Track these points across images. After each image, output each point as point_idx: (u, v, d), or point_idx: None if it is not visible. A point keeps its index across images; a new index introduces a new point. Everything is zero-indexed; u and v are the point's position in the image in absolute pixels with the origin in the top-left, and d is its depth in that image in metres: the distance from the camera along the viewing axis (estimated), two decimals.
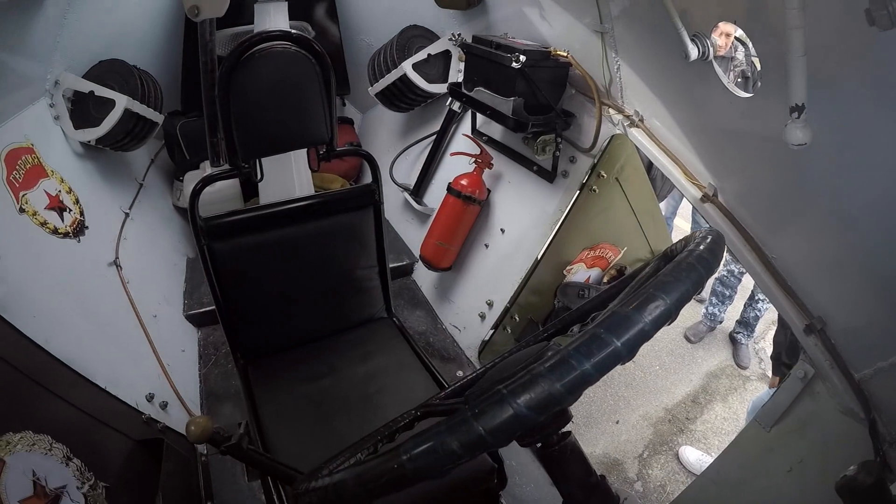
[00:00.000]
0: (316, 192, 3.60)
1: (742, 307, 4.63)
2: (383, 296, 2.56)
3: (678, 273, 0.82)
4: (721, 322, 4.80)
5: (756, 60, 3.99)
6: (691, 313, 5.02)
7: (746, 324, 4.59)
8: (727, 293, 4.68)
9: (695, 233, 1.00)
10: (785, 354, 3.05)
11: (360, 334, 2.47)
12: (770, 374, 3.85)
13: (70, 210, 2.80)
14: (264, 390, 2.20)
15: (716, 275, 4.70)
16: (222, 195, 3.84)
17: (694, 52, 1.85)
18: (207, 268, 2.15)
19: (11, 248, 2.20)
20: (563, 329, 1.32)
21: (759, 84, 1.75)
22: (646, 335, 0.74)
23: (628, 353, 0.71)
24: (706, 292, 5.05)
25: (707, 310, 4.80)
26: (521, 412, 0.69)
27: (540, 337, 1.29)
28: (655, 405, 4.03)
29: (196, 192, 2.06)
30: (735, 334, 4.66)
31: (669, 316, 0.76)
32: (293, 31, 1.98)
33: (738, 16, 1.71)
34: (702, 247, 0.90)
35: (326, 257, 2.37)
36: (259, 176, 2.11)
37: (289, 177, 3.38)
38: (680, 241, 1.10)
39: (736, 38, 3.96)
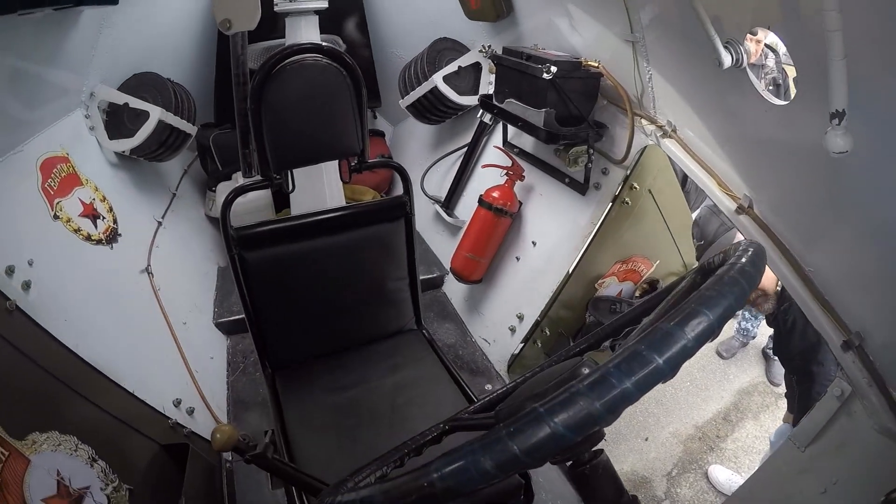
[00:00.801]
0: (347, 203, 3.61)
1: None
2: (413, 308, 2.54)
3: (721, 287, 0.78)
4: (754, 337, 4.68)
5: (787, 68, 3.92)
6: (724, 328, 4.88)
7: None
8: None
9: (735, 245, 0.96)
10: (796, 379, 3.00)
11: (389, 346, 2.46)
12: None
13: (104, 218, 2.85)
14: (291, 399, 2.20)
15: None
16: (254, 206, 3.87)
17: (728, 60, 1.81)
18: (238, 277, 2.17)
19: (45, 254, 2.23)
20: (595, 344, 1.28)
21: (795, 91, 1.71)
22: (689, 352, 0.70)
23: (671, 370, 0.68)
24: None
25: (740, 325, 4.69)
26: (559, 431, 0.65)
27: (572, 352, 1.25)
28: (685, 422, 3.96)
29: (228, 202, 2.08)
30: (768, 350, 4.54)
31: (713, 332, 0.73)
32: (324, 43, 2.01)
33: (773, 21, 1.67)
34: (744, 259, 0.86)
35: (357, 268, 2.37)
36: (291, 187, 2.12)
37: (320, 188, 3.39)
38: (718, 253, 1.07)
39: (766, 45, 3.90)
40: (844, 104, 1.33)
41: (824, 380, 2.68)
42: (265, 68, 1.88)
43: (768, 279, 2.73)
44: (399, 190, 2.35)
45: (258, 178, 2.10)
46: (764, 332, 4.63)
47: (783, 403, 3.86)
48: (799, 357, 2.92)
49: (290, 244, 2.22)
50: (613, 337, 1.29)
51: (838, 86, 1.32)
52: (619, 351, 0.70)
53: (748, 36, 1.91)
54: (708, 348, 4.63)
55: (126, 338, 2.52)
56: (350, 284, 2.37)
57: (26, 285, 1.99)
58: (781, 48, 3.80)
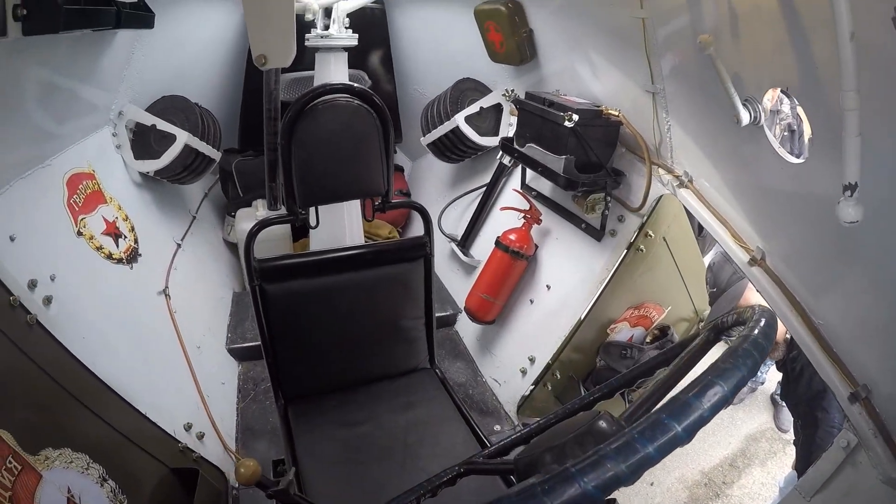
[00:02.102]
0: (365, 237, 3.65)
1: None
2: (428, 347, 2.57)
3: (735, 360, 0.85)
4: (762, 383, 4.65)
5: (801, 112, 3.96)
6: None
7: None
8: None
9: (749, 309, 1.01)
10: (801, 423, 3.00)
11: (402, 383, 2.48)
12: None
13: (125, 237, 2.89)
14: (303, 431, 2.22)
15: None
16: (272, 234, 3.90)
17: (746, 118, 1.86)
18: (258, 307, 2.21)
19: (67, 270, 2.26)
20: (608, 394, 1.40)
21: (810, 147, 1.75)
22: (704, 420, 0.77)
23: (688, 436, 0.75)
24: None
25: None
26: (589, 491, 0.71)
27: (585, 401, 1.34)
28: (692, 467, 3.92)
29: (252, 235, 2.13)
30: (776, 396, 4.48)
31: (726, 401, 0.80)
32: (355, 84, 2.07)
33: (790, 84, 1.73)
34: (756, 331, 0.94)
35: (375, 306, 2.40)
36: (315, 223, 2.17)
37: (340, 225, 3.44)
38: (731, 312, 1.14)
39: (781, 90, 3.94)
40: (857, 178, 1.40)
41: (828, 426, 2.69)
42: (298, 106, 1.93)
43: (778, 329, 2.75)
44: (415, 226, 2.40)
45: (283, 211, 2.14)
46: (773, 378, 4.58)
47: (791, 450, 3.83)
48: (805, 403, 2.93)
49: (310, 279, 2.26)
50: (627, 388, 1.41)
51: (852, 161, 1.39)
52: (643, 419, 0.77)
53: None
54: None
55: (141, 358, 2.54)
56: (367, 321, 2.40)
57: (47, 300, 2.01)
58: None
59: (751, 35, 1.81)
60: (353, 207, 3.49)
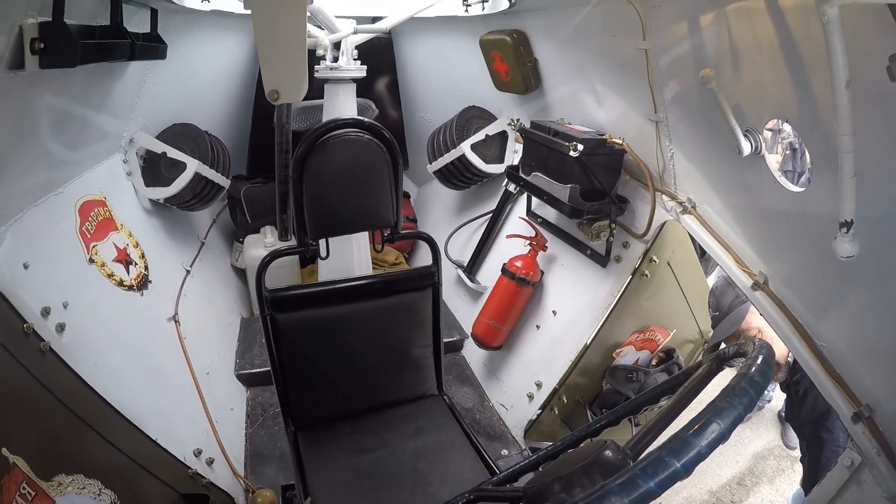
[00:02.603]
0: (373, 263, 3.68)
1: None
2: (436, 374, 2.58)
3: (732, 398, 0.90)
4: (769, 401, 4.68)
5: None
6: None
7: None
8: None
9: (748, 343, 1.05)
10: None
11: (411, 410, 2.49)
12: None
13: (136, 264, 2.91)
14: (313, 458, 2.23)
15: None
16: (280, 261, 3.87)
17: (747, 148, 1.91)
18: (269, 336, 2.23)
19: (79, 297, 2.28)
20: (615, 421, 1.39)
21: (810, 175, 1.78)
22: (702, 457, 0.84)
23: (686, 472, 0.81)
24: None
25: None
26: None
27: (592, 428, 1.35)
28: (699, 487, 3.89)
29: (264, 265, 2.18)
30: (784, 413, 4.48)
31: (724, 438, 0.86)
32: (365, 119, 2.12)
33: (790, 115, 1.77)
34: (752, 369, 0.98)
35: (384, 334, 2.43)
36: (325, 254, 2.21)
37: (349, 255, 3.48)
38: (733, 345, 1.19)
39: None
40: (852, 215, 1.45)
41: (833, 445, 2.71)
42: (309, 140, 1.98)
43: (780, 350, 2.76)
44: (421, 251, 2.42)
45: (293, 242, 2.18)
46: (779, 396, 4.55)
47: (799, 467, 3.82)
48: (809, 424, 2.94)
49: (320, 308, 2.29)
50: (633, 414, 1.43)
51: (848, 200, 1.44)
52: (645, 456, 0.83)
53: None
54: None
55: (152, 385, 2.56)
56: (376, 349, 2.43)
57: (60, 328, 2.03)
58: None
59: (751, 68, 1.86)
60: (361, 237, 3.54)
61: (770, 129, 3.99)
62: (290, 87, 1.75)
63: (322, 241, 2.21)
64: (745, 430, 4.49)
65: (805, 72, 1.61)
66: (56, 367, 1.95)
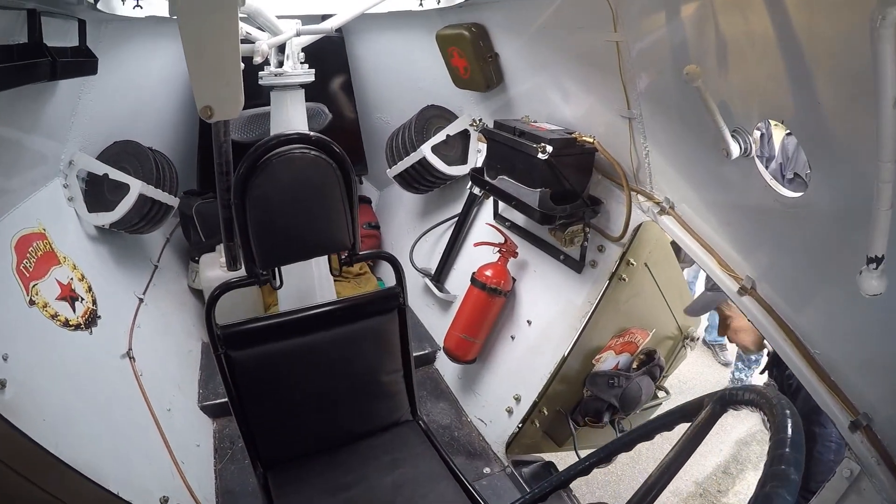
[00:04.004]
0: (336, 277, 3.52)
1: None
2: (409, 398, 2.48)
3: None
4: None
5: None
6: (717, 379, 4.95)
7: (775, 387, 4.41)
8: (753, 357, 4.57)
9: (761, 395, 1.10)
10: None
11: (385, 440, 2.39)
12: None
13: (82, 299, 2.70)
14: (286, 500, 2.12)
15: None
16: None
17: (736, 150, 1.77)
18: (225, 376, 2.10)
19: (21, 346, 2.09)
20: (605, 459, 1.40)
21: (808, 181, 1.67)
22: None
23: None
24: (731, 356, 5.10)
25: (733, 375, 4.72)
26: None
27: (580, 467, 1.38)
28: (685, 479, 3.88)
29: (213, 300, 2.03)
30: None
31: None
32: (311, 133, 1.96)
33: (787, 116, 1.63)
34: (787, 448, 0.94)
35: (350, 362, 2.31)
36: (279, 283, 2.08)
37: (309, 279, 3.29)
38: (736, 388, 1.18)
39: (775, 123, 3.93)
40: (884, 251, 1.34)
41: (826, 440, 2.68)
42: (249, 160, 1.83)
43: (753, 333, 2.71)
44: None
45: (243, 272, 2.03)
46: (758, 380, 4.61)
47: None
48: (802, 419, 2.87)
49: (279, 341, 2.16)
50: (625, 450, 1.40)
51: (881, 234, 1.32)
52: None
53: None
54: None
55: (108, 432, 2.37)
56: (343, 379, 2.31)
57: (2, 385, 1.84)
58: None
59: (740, 64, 1.72)
60: (321, 263, 3.30)
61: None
62: (224, 103, 1.61)
63: (275, 270, 2.07)
64: (725, 417, 4.40)
65: (807, 70, 1.46)
66: (1, 430, 1.75)
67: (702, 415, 1.17)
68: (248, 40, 2.76)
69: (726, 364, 5.19)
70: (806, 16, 1.40)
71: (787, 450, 0.91)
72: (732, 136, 1.78)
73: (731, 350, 5.38)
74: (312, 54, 3.25)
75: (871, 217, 1.31)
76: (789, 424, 0.98)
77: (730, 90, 1.79)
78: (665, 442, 1.30)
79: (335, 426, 2.36)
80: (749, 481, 3.87)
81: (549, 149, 2.50)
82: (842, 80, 1.37)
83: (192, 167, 4.33)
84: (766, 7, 1.50)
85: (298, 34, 2.96)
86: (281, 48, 3.08)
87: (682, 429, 1.25)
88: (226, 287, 2.04)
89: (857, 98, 1.34)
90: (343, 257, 2.14)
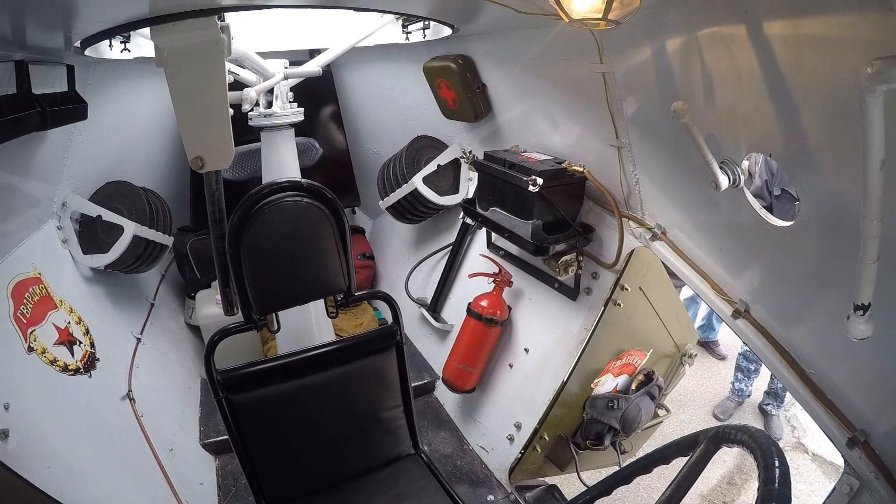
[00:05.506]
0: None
1: (769, 377, 4.55)
2: (409, 432, 2.47)
3: None
4: (749, 396, 4.74)
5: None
6: (717, 391, 4.95)
7: (775, 394, 4.52)
8: (752, 367, 4.60)
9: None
10: None
11: (388, 474, 2.38)
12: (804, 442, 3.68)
13: (80, 343, 2.69)
14: None
15: (739, 350, 4.73)
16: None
17: (725, 182, 1.77)
18: (227, 419, 2.09)
19: (21, 394, 2.09)
20: (606, 491, 1.48)
21: (798, 213, 1.68)
22: None
23: None
24: (725, 350, 5.30)
25: (733, 385, 4.72)
26: None
27: (582, 500, 1.45)
28: (690, 493, 3.78)
29: (212, 345, 2.02)
30: (765, 406, 4.60)
31: None
32: (303, 181, 1.96)
33: (774, 150, 1.65)
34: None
35: (350, 401, 2.31)
36: (276, 327, 2.08)
37: (307, 322, 3.29)
38: (735, 428, 1.24)
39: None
40: (870, 299, 1.38)
41: None
42: (242, 210, 1.83)
43: None
44: (385, 277, 2.29)
45: (241, 318, 2.04)
46: (758, 389, 4.71)
47: (787, 457, 3.79)
48: None
49: (279, 384, 2.15)
50: (625, 483, 1.50)
51: (867, 284, 1.36)
52: None
53: None
54: (704, 412, 4.71)
55: (111, 476, 2.37)
56: (344, 417, 2.31)
57: (4, 434, 1.84)
58: None
59: (727, 97, 1.73)
60: (319, 305, 3.32)
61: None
62: (215, 154, 1.63)
63: (272, 315, 2.07)
64: None
65: (793, 105, 1.48)
66: (5, 480, 1.75)
67: (697, 452, 1.21)
68: (236, 84, 2.75)
69: (722, 358, 5.32)
70: (793, 53, 1.42)
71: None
72: (721, 167, 1.78)
73: (725, 345, 5.47)
74: (301, 88, 3.26)
75: (857, 269, 1.34)
76: (776, 475, 1.04)
77: (717, 123, 1.80)
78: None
79: (338, 463, 2.34)
80: (755, 490, 3.80)
81: (540, 181, 2.51)
82: (828, 114, 1.39)
83: (184, 203, 4.32)
84: (752, 44, 1.51)
85: (286, 77, 2.98)
86: (269, 89, 3.08)
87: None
88: (224, 333, 2.04)
89: (843, 133, 1.36)
90: (339, 299, 2.15)
